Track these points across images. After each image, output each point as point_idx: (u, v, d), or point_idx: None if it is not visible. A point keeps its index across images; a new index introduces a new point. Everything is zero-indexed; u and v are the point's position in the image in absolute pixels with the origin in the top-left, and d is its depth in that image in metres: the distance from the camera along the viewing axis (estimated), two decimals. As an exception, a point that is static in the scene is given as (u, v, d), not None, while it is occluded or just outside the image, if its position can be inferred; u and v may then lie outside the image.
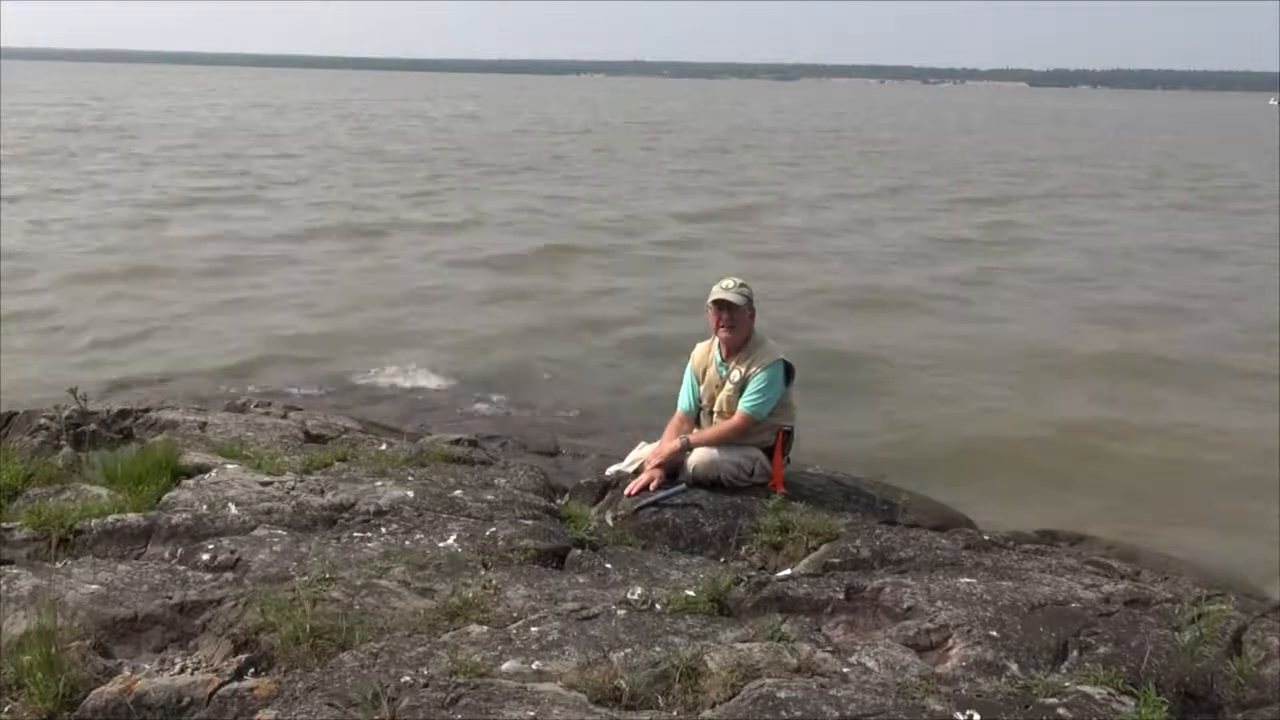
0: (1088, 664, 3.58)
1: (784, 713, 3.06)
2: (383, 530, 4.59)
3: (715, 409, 5.43)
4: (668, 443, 5.40)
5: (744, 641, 3.57)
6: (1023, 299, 15.58)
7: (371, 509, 4.78)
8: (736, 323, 5.29)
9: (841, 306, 14.61)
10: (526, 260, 17.43)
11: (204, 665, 3.44)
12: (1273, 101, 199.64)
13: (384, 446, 6.23)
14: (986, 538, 5.48)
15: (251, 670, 3.37)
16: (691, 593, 4.04)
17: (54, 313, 13.06)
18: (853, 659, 3.54)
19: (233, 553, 4.21)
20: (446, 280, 15.83)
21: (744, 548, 4.88)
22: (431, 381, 10.37)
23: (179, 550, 4.31)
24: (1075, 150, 49.99)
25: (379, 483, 5.16)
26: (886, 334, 12.96)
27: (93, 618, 3.64)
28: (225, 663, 3.43)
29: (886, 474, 6.88)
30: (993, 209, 25.94)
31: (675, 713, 3.15)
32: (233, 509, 4.69)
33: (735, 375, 5.34)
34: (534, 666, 3.33)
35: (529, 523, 4.75)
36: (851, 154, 44.22)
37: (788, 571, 4.51)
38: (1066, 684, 3.39)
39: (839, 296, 15.15)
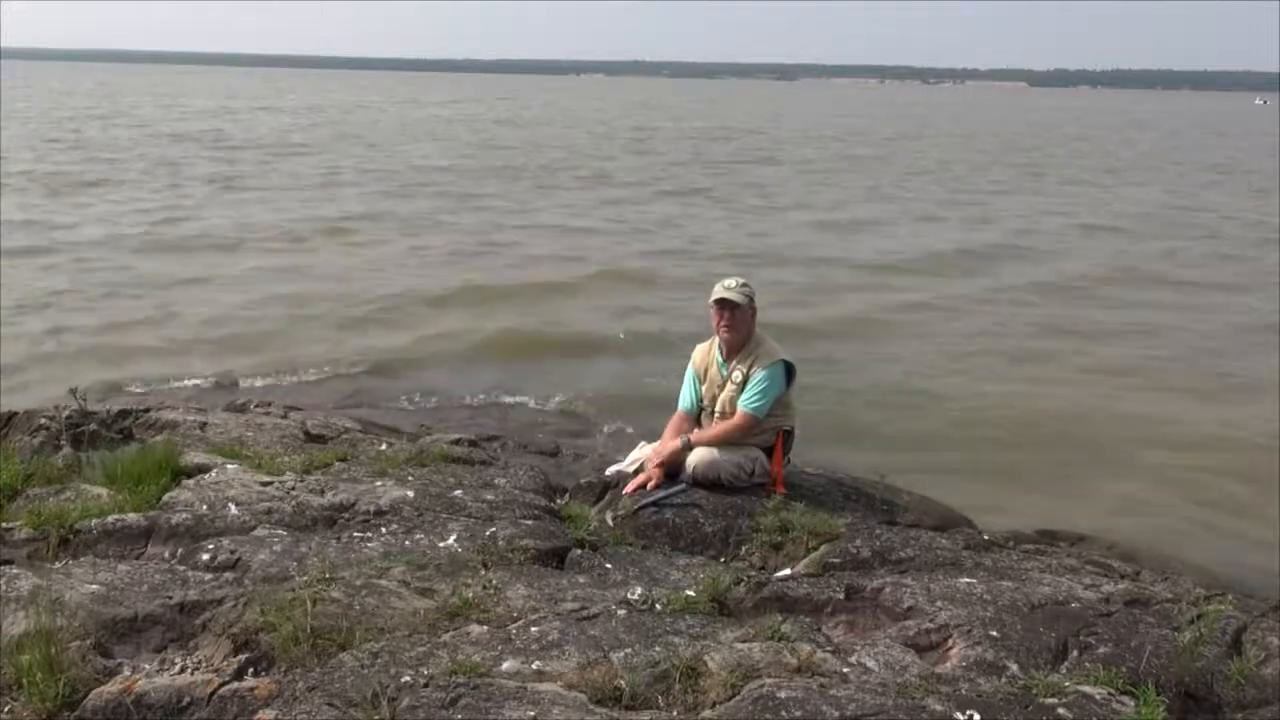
0: (1088, 664, 3.58)
1: (784, 713, 3.06)
2: (383, 530, 4.59)
3: (717, 409, 5.43)
4: (668, 442, 5.39)
5: (744, 641, 3.57)
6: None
7: (371, 509, 4.78)
8: (737, 322, 5.28)
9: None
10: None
11: (204, 665, 3.44)
12: (1259, 101, 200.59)
13: (384, 446, 6.24)
14: (986, 538, 5.48)
15: (251, 670, 3.37)
16: (691, 593, 4.04)
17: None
18: (853, 659, 3.54)
19: (233, 553, 4.21)
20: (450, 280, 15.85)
21: (744, 548, 4.87)
22: (432, 381, 10.38)
23: (179, 550, 4.31)
24: None
25: (379, 483, 5.16)
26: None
27: (93, 618, 3.64)
28: (225, 663, 3.42)
29: (887, 474, 6.89)
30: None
31: (675, 713, 3.15)
32: (233, 509, 4.69)
33: (737, 375, 5.33)
34: (534, 666, 3.33)
35: (529, 523, 4.75)
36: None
37: (788, 571, 4.51)
38: (1066, 684, 3.39)
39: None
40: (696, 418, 5.54)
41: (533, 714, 3.02)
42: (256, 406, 7.76)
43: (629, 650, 3.45)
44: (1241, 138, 69.43)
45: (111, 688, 3.23)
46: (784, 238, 20.38)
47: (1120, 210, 25.77)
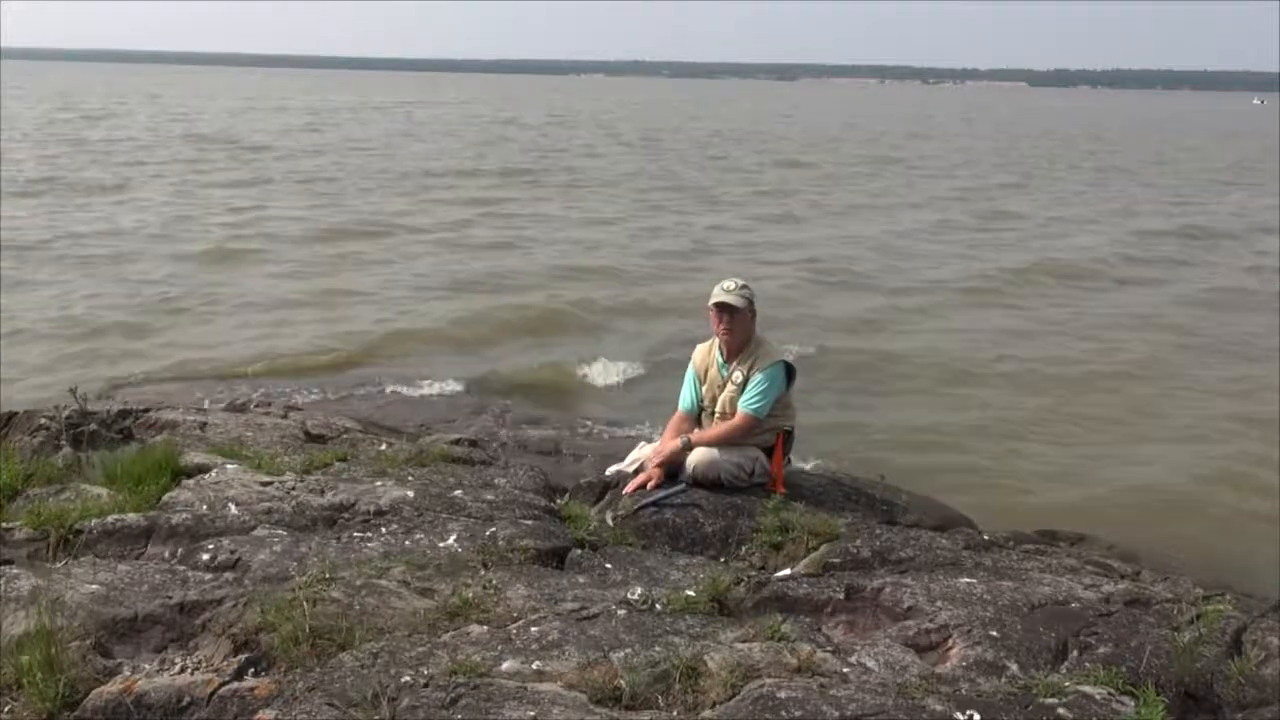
0: (1088, 664, 3.58)
1: (784, 713, 3.06)
2: (383, 530, 4.59)
3: (717, 410, 5.43)
4: (668, 442, 5.39)
5: (744, 641, 3.57)
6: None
7: (371, 509, 4.78)
8: (737, 325, 5.28)
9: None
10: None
11: (204, 665, 3.44)
12: (1257, 101, 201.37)
13: (384, 446, 6.23)
14: (986, 538, 5.49)
15: (251, 670, 3.37)
16: (691, 593, 4.04)
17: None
18: (853, 659, 3.54)
19: (233, 553, 4.21)
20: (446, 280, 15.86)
21: (744, 548, 4.87)
22: (431, 382, 10.38)
23: (179, 550, 4.31)
24: None
25: (379, 483, 5.16)
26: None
27: (93, 618, 3.64)
28: (225, 663, 3.42)
29: (887, 474, 6.89)
30: None
31: (675, 713, 3.15)
32: (233, 509, 4.69)
33: (737, 376, 5.34)
34: (534, 666, 3.33)
35: (529, 523, 4.74)
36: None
37: (788, 571, 4.51)
38: (1066, 684, 3.39)
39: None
40: (697, 418, 5.55)
41: (533, 714, 3.01)
42: (256, 406, 7.76)
43: (629, 650, 3.45)
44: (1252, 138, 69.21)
45: (111, 688, 3.23)
46: (815, 249, 19.78)
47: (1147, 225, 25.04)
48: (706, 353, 5.55)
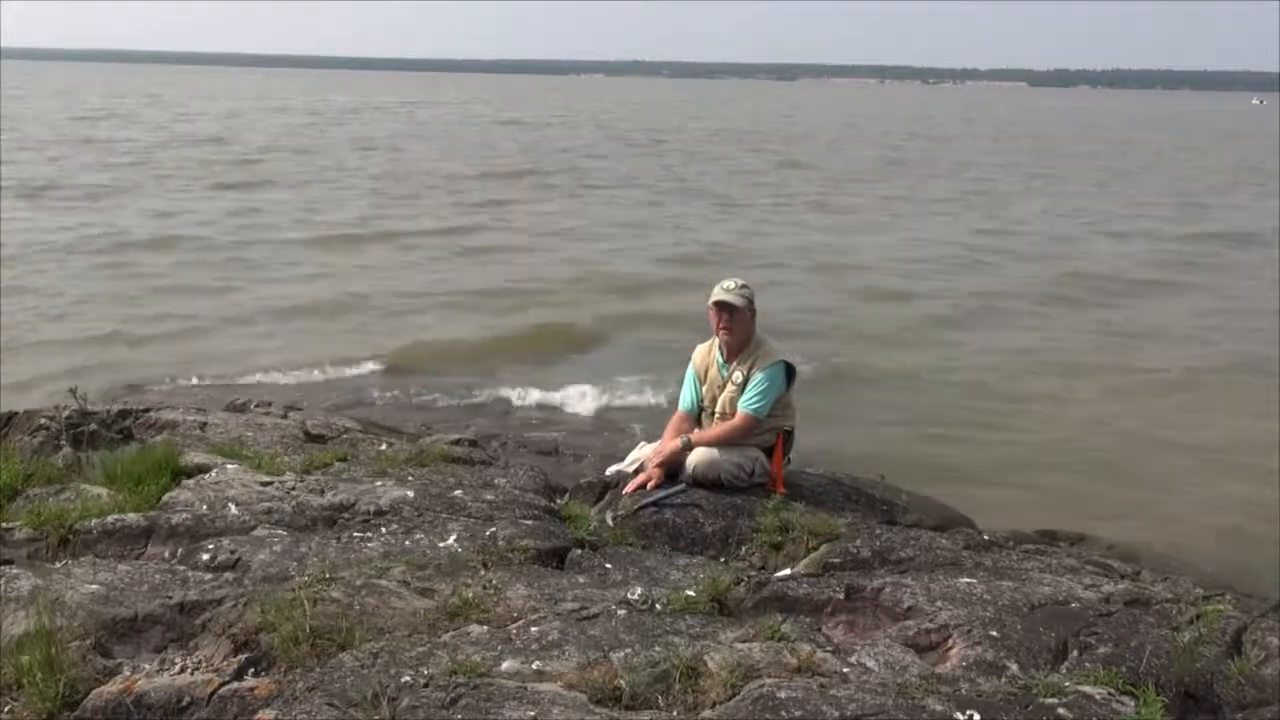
0: (1088, 664, 3.58)
1: (784, 713, 3.06)
2: (383, 530, 4.59)
3: (717, 410, 5.43)
4: (668, 442, 5.39)
5: (744, 641, 3.57)
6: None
7: (371, 509, 4.78)
8: (736, 324, 5.28)
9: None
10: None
11: (204, 665, 3.44)
12: (1256, 101, 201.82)
13: (384, 446, 6.23)
14: (986, 538, 5.49)
15: (251, 670, 3.37)
16: (691, 593, 4.04)
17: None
18: (853, 659, 3.54)
19: (233, 553, 4.21)
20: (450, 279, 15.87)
21: (744, 548, 4.87)
22: (432, 383, 10.38)
23: (179, 550, 4.31)
24: None
25: (379, 483, 5.16)
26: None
27: (93, 618, 3.64)
28: (225, 663, 3.43)
29: (887, 474, 6.89)
30: None
31: (675, 713, 3.15)
32: (233, 509, 4.69)
33: (737, 376, 5.33)
34: (534, 666, 3.33)
35: (529, 523, 4.74)
36: None
37: (788, 571, 4.51)
38: (1066, 684, 3.39)
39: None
40: (697, 418, 5.55)
41: (533, 714, 3.01)
42: (256, 406, 7.76)
43: (629, 650, 3.45)
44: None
45: (111, 688, 3.24)
46: (819, 254, 19.52)
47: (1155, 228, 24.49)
48: (706, 352, 5.55)
